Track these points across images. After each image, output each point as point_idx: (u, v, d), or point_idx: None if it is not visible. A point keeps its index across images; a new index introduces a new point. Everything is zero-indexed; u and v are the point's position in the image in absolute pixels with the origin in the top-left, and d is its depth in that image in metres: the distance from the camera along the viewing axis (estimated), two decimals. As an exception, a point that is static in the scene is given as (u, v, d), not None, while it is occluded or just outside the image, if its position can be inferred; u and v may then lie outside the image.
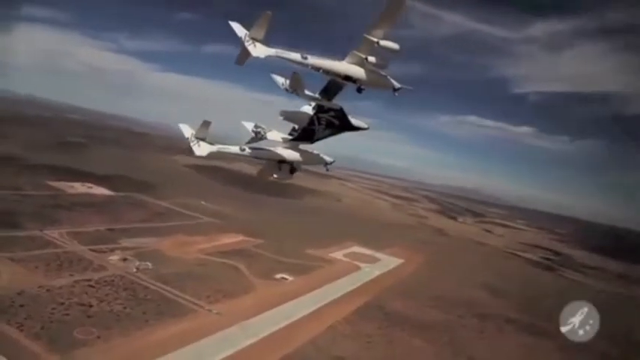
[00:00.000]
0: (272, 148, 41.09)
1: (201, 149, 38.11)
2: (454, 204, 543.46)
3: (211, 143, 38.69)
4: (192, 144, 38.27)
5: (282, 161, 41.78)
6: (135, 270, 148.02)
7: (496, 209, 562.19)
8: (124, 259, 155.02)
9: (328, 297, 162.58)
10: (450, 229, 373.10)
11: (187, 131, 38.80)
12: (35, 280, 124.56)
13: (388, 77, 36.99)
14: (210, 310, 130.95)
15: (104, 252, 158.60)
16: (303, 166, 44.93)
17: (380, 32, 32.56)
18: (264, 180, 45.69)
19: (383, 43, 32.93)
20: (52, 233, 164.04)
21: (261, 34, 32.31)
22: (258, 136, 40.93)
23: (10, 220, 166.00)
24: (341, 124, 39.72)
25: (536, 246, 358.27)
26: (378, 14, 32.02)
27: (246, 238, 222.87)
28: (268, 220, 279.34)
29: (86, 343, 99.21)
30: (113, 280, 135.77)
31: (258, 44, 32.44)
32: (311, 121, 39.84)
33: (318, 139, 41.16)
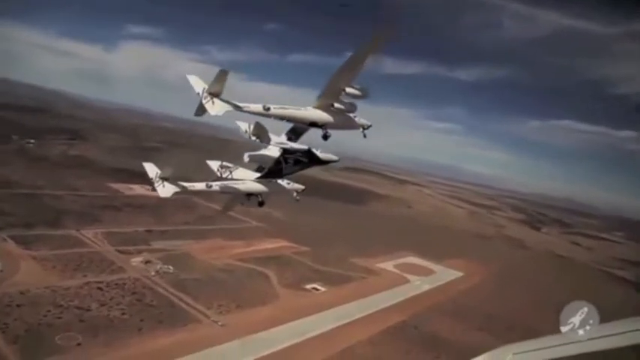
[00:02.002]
0: (238, 183, 40.15)
1: (166, 190, 37.02)
2: (542, 213, 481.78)
3: (175, 183, 37.40)
4: (156, 184, 37.14)
5: (250, 194, 41.35)
6: (153, 274, 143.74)
7: (590, 220, 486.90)
8: (147, 262, 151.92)
9: (359, 312, 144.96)
10: (530, 241, 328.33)
11: (152, 171, 37.55)
12: (46, 279, 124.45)
13: (356, 119, 36.26)
14: (215, 322, 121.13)
15: (131, 253, 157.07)
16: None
17: (347, 79, 31.97)
18: (229, 210, 48.69)
19: (349, 90, 32.57)
20: (87, 233, 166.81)
21: (219, 89, 31.05)
22: (224, 175, 39.86)
23: (54, 219, 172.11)
24: (309, 160, 38.87)
25: (635, 262, 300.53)
26: (345, 61, 30.54)
27: (290, 244, 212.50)
28: (323, 226, 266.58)
29: (62, 351, 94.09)
30: (125, 284, 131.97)
31: (216, 100, 31.52)
32: (277, 161, 38.69)
33: (286, 175, 40.52)
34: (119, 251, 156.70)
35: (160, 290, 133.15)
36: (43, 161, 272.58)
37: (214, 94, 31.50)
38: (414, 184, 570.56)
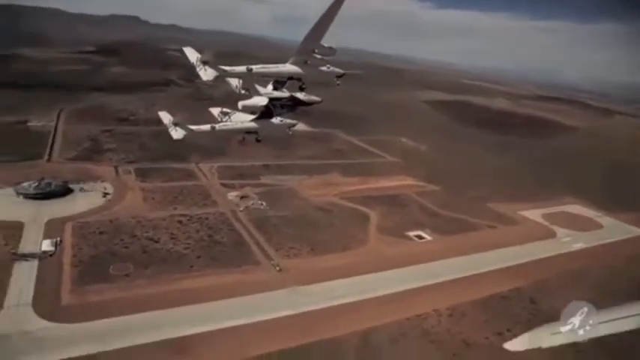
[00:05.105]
0: (237, 124, 48.23)
1: (178, 133, 46.36)
2: None
3: (183, 127, 46.60)
4: (170, 129, 46.57)
5: (248, 132, 48.54)
6: (242, 209, 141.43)
7: None
8: (243, 197, 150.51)
9: (458, 271, 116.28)
10: None
11: (165, 118, 48.27)
12: (138, 210, 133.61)
13: (328, 71, 43.47)
14: (274, 266, 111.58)
15: (233, 187, 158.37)
16: None
17: (315, 40, 38.26)
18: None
19: (318, 50, 39.45)
20: (204, 167, 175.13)
21: (210, 57, 39.51)
22: (224, 119, 48.88)
23: (183, 154, 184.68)
24: (294, 103, 46.91)
25: None
26: (312, 27, 37.01)
27: (416, 182, 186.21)
28: (475, 162, 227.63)
29: (110, 280, 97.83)
30: (207, 218, 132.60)
31: (208, 68, 39.19)
32: (267, 106, 46.00)
33: (277, 115, 47.66)
34: (223, 185, 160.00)
35: (238, 227, 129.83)
36: (207, 100, 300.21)
37: (205, 62, 39.04)
38: (622, 113, 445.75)
